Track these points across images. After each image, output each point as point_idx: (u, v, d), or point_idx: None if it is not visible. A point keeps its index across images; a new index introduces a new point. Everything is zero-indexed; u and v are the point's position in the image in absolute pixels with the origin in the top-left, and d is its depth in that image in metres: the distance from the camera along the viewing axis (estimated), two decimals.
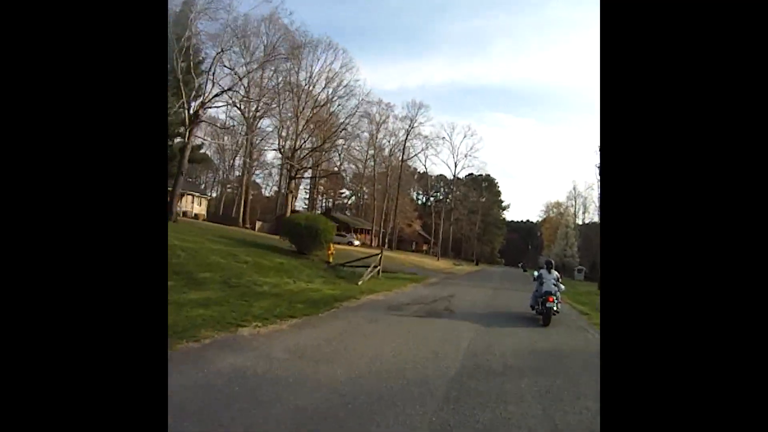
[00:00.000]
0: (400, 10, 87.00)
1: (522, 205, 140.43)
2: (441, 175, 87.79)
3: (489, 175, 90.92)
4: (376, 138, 58.14)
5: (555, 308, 8.97)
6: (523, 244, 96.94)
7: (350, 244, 49.87)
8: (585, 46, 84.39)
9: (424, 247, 73.83)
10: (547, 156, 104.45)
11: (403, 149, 58.30)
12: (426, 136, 60.42)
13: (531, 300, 9.89)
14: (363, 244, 56.88)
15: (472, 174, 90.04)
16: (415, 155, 60.98)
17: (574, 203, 66.07)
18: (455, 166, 68.01)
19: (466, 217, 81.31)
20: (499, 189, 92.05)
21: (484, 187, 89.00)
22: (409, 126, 57.88)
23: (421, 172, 76.77)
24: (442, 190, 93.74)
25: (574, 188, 67.25)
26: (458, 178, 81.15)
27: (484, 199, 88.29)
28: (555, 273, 9.52)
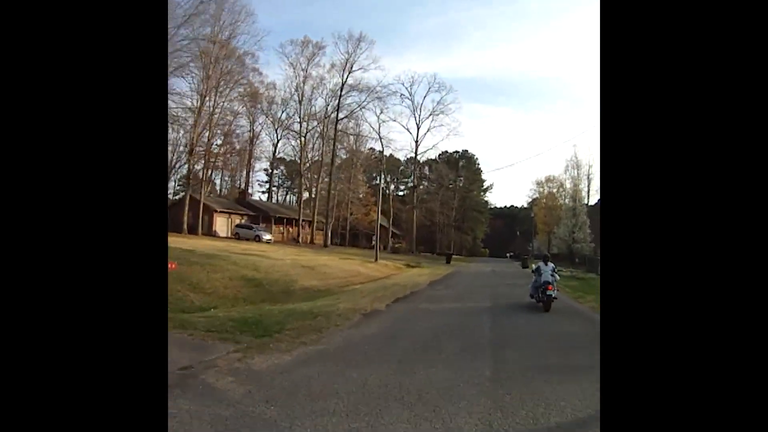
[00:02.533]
0: (374, 8, 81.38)
1: (505, 192, 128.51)
2: (412, 157, 69.95)
3: (467, 151, 71.82)
4: (302, 88, 39.32)
5: (554, 295, 9.39)
6: (509, 231, 79.48)
7: (258, 239, 31.45)
8: (558, 35, 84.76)
9: (389, 242, 55.56)
10: (525, 143, 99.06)
11: (338, 102, 39.10)
12: (374, 89, 40.94)
13: (531, 290, 10.19)
14: (295, 240, 38.53)
15: (446, 151, 72.53)
16: (359, 108, 40.87)
17: (576, 174, 47.64)
18: (417, 129, 48.36)
19: (438, 201, 63.35)
20: (480, 167, 73.34)
21: (461, 165, 70.67)
22: (345, 69, 38.49)
23: (387, 153, 58.85)
24: (413, 175, 75.79)
25: (575, 155, 48.63)
26: (433, 160, 63.49)
27: (462, 180, 70.06)
28: (551, 265, 10.00)
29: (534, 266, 10.69)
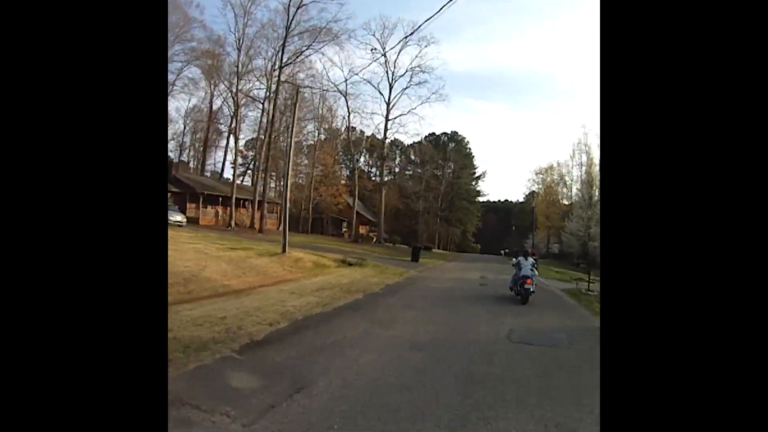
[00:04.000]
0: (369, 1, 74.99)
1: (499, 186, 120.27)
2: (396, 140, 59.73)
3: (456, 133, 61.30)
4: (241, 32, 28.80)
5: (532, 289, 9.11)
6: (504, 226, 70.18)
7: None
8: (557, 31, 79.85)
9: (362, 231, 45.86)
10: (521, 139, 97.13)
11: (283, 43, 28.51)
12: (329, 29, 29.24)
13: (510, 283, 10.00)
14: (230, 225, 28.74)
15: (433, 133, 62.37)
16: (308, 48, 29.31)
17: (586, 159, 37.20)
18: (390, 89, 36.72)
19: (422, 185, 53.38)
20: (471, 151, 62.84)
21: (450, 148, 60.26)
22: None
23: (360, 123, 48.32)
24: (397, 159, 65.62)
25: (585, 137, 37.94)
26: (419, 143, 52.98)
27: (451, 165, 59.96)
28: (531, 259, 9.67)
29: (513, 260, 10.57)
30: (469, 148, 61.68)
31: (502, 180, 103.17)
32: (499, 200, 75.61)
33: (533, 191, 55.21)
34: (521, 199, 69.68)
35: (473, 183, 62.15)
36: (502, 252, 49.23)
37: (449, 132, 61.17)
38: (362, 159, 62.91)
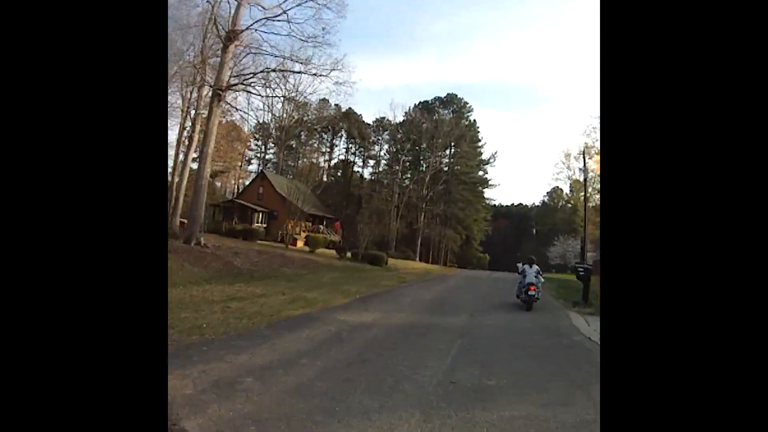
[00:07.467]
0: (379, 9, 74.40)
1: (511, 189, 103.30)
2: (382, 118, 41.68)
3: (455, 96, 42.25)
4: None
5: (536, 296, 9.61)
6: (518, 233, 51.82)
7: None
8: (564, 39, 77.35)
9: (303, 226, 27.76)
10: (533, 147, 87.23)
11: None
12: None
13: (516, 291, 10.23)
14: None
15: (426, 101, 44.11)
16: None
17: None
18: None
19: (398, 167, 35.16)
20: (474, 121, 43.30)
21: (448, 117, 40.56)
22: None
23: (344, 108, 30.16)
24: (382, 141, 46.80)
25: None
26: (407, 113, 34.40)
27: (453, 146, 40.17)
28: (536, 267, 10.02)
29: (519, 266, 10.25)
30: (471, 116, 42.64)
31: (515, 187, 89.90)
32: (512, 203, 57.26)
33: (554, 188, 36.75)
34: (538, 203, 52.65)
35: (478, 168, 42.98)
36: (519, 266, 29.23)
37: (443, 96, 42.80)
38: (341, 144, 45.28)
